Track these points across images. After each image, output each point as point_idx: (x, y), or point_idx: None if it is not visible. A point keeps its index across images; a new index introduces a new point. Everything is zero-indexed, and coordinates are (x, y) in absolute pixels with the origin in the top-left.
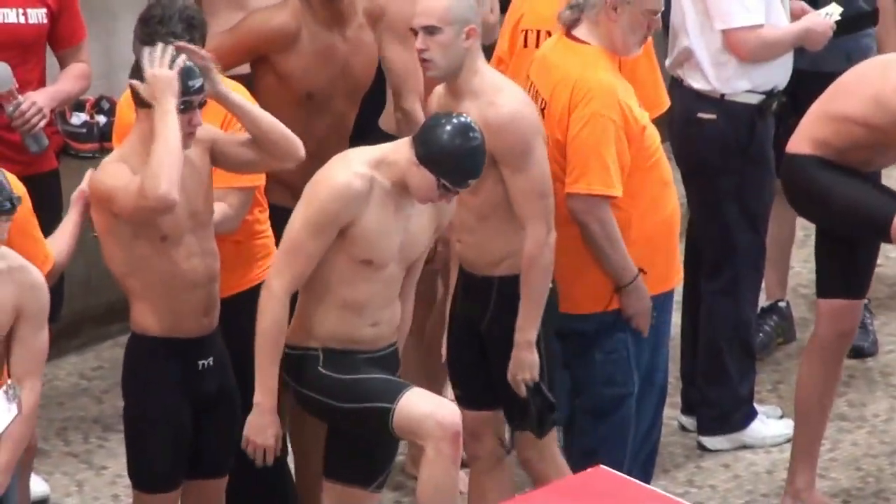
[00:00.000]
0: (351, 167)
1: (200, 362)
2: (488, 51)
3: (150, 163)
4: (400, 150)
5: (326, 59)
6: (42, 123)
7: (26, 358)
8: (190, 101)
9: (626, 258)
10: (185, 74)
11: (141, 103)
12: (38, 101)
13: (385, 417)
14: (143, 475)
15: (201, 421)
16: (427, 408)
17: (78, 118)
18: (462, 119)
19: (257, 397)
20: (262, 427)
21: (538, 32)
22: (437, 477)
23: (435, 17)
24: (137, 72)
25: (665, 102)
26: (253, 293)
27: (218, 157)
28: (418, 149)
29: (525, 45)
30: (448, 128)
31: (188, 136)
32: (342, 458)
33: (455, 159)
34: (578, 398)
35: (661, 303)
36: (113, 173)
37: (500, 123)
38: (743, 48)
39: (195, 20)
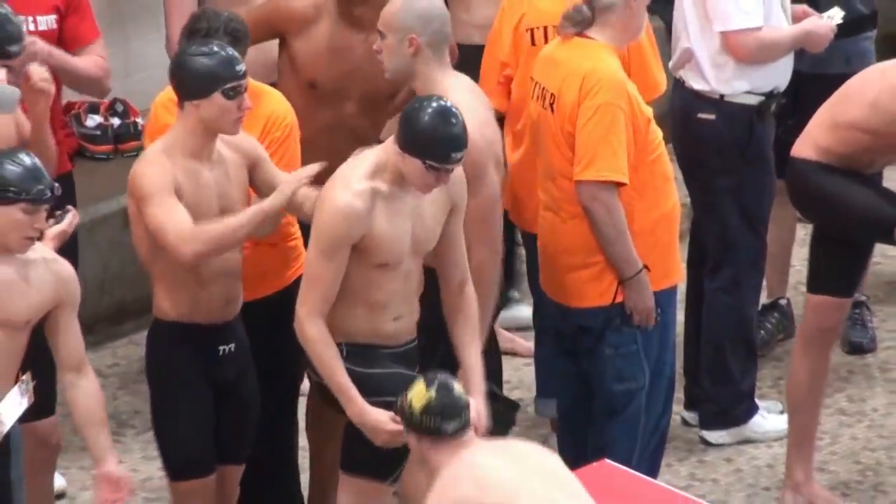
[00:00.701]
0: (350, 186)
1: (221, 348)
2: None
3: (210, 230)
4: (388, 150)
5: (339, 55)
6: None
7: (77, 346)
8: (239, 86)
9: (632, 251)
10: (231, 61)
11: (185, 98)
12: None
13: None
14: (177, 461)
15: (220, 407)
16: None
17: (93, 120)
18: (436, 100)
19: (352, 409)
20: (376, 425)
21: (544, 29)
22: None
23: (383, 22)
24: (176, 72)
25: (663, 83)
26: (289, 291)
27: (252, 178)
28: (399, 139)
29: (533, 44)
30: (422, 110)
31: (237, 121)
32: (360, 451)
33: (433, 137)
34: (593, 398)
35: (667, 298)
36: (151, 177)
37: None
38: (741, 50)
39: (240, 32)
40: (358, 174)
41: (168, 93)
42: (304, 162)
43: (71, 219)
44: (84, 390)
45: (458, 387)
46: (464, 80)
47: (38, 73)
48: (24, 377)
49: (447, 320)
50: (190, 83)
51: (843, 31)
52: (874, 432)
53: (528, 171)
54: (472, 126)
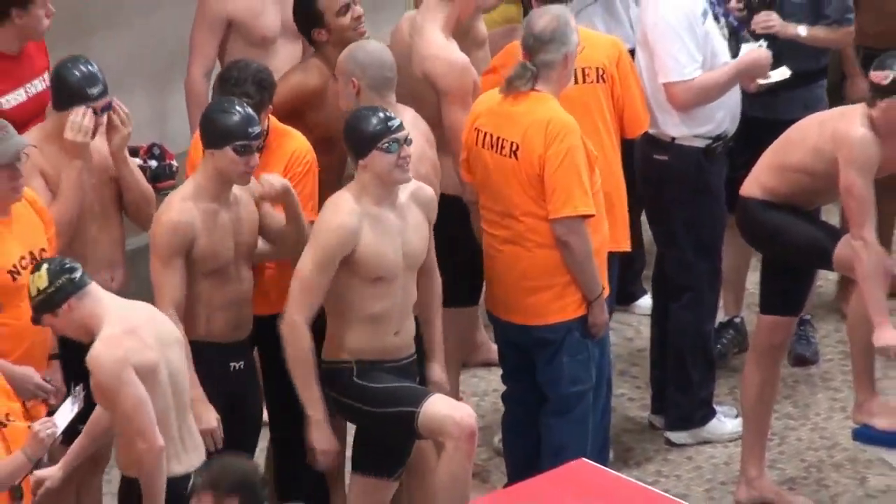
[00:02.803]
0: (341, 208)
1: (232, 364)
2: None
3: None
4: (358, 174)
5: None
6: None
7: None
8: (248, 145)
9: (597, 274)
10: (246, 121)
11: (204, 146)
12: None
13: (411, 419)
14: None
15: (227, 419)
16: (447, 410)
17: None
18: (356, 110)
19: (311, 413)
20: (324, 437)
21: (594, 69)
22: (454, 469)
23: (335, 68)
24: (202, 121)
25: (646, 121)
26: None
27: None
28: (352, 151)
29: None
30: (352, 119)
31: (244, 174)
32: (370, 454)
33: (368, 125)
34: (545, 403)
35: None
36: (163, 233)
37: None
38: (675, 101)
39: (266, 81)
40: (347, 197)
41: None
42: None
43: None
44: None
45: None
46: (408, 112)
47: (118, 111)
48: (77, 388)
49: (419, 296)
50: (209, 134)
51: (799, 80)
52: (817, 434)
53: None
54: (420, 147)
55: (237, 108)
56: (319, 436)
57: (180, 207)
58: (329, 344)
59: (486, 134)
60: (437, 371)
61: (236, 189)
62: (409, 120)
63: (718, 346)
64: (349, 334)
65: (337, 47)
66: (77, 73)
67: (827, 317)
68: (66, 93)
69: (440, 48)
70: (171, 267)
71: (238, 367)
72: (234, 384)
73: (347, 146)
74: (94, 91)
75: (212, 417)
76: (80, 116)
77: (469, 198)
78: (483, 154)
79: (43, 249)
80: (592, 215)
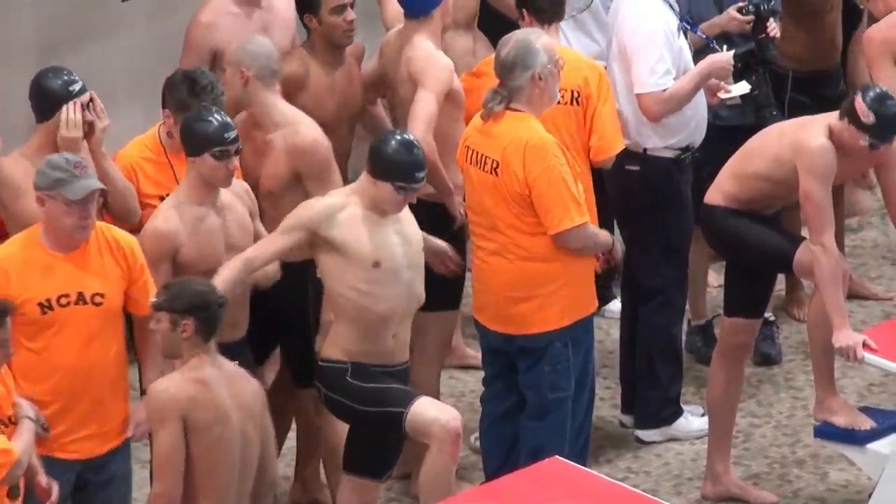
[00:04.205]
0: (330, 196)
1: None
2: None
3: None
4: (362, 181)
5: (330, 93)
6: None
7: None
8: (226, 150)
9: (605, 236)
10: (222, 127)
11: (186, 154)
12: None
13: (399, 419)
14: None
15: None
16: (433, 413)
17: None
18: (398, 134)
19: None
20: None
21: (569, 91)
22: (438, 469)
23: (224, 58)
24: (181, 132)
25: (622, 142)
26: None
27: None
28: (370, 167)
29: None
30: (387, 142)
31: (226, 177)
32: (362, 456)
33: (397, 162)
34: (524, 407)
35: (588, 322)
36: (154, 234)
37: (304, 146)
38: (649, 112)
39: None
40: (339, 193)
41: None
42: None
43: None
44: None
45: None
46: (295, 111)
47: (95, 106)
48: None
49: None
50: (188, 143)
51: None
52: (780, 431)
53: None
54: (317, 130)
55: (214, 116)
56: None
57: (165, 215)
58: (329, 345)
59: (473, 151)
60: None
61: (226, 194)
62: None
63: (700, 345)
64: (349, 336)
65: (323, 41)
66: (57, 80)
67: (789, 319)
68: (50, 100)
69: (426, 49)
70: (158, 271)
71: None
72: None
73: (181, 141)
74: (75, 88)
75: None
76: (72, 111)
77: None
78: (470, 170)
79: (99, 294)
80: (586, 221)
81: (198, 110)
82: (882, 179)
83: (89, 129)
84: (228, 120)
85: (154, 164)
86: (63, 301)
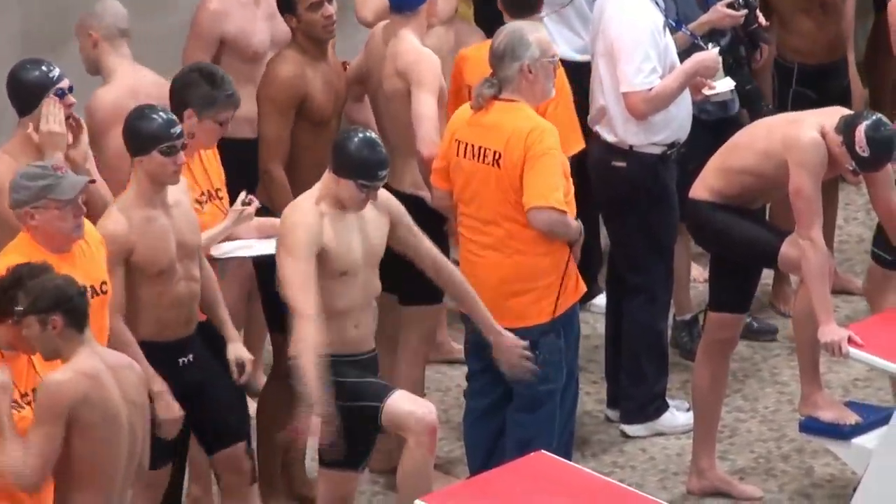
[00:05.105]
0: (304, 210)
1: (181, 360)
2: None
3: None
4: (325, 180)
5: (325, 90)
6: None
7: None
8: (173, 146)
9: (576, 226)
10: (168, 123)
11: (132, 155)
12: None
13: (375, 413)
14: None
15: (195, 407)
16: (409, 407)
17: None
18: (360, 131)
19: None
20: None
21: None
22: (416, 462)
23: (76, 27)
24: (123, 133)
25: (580, 143)
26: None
27: None
28: (333, 165)
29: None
30: (349, 139)
31: (174, 174)
32: (337, 449)
33: (359, 160)
34: (510, 400)
35: (574, 311)
36: (106, 238)
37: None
38: (633, 109)
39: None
40: (309, 198)
41: None
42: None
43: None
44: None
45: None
46: (143, 70)
47: (73, 119)
48: None
49: (451, 294)
50: (134, 142)
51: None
52: (766, 426)
53: None
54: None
55: (157, 113)
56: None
57: (115, 219)
58: (294, 340)
59: (466, 145)
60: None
61: (175, 191)
62: (152, 80)
63: (686, 340)
64: None
65: (307, 39)
66: (34, 71)
67: (774, 314)
68: (29, 92)
69: (413, 44)
70: (112, 276)
71: (186, 361)
72: (185, 377)
73: (125, 142)
74: (54, 75)
75: (176, 408)
76: (52, 106)
77: (436, 203)
78: (463, 164)
79: (104, 282)
80: (564, 212)
81: (212, 102)
82: (872, 194)
83: (74, 140)
84: (172, 116)
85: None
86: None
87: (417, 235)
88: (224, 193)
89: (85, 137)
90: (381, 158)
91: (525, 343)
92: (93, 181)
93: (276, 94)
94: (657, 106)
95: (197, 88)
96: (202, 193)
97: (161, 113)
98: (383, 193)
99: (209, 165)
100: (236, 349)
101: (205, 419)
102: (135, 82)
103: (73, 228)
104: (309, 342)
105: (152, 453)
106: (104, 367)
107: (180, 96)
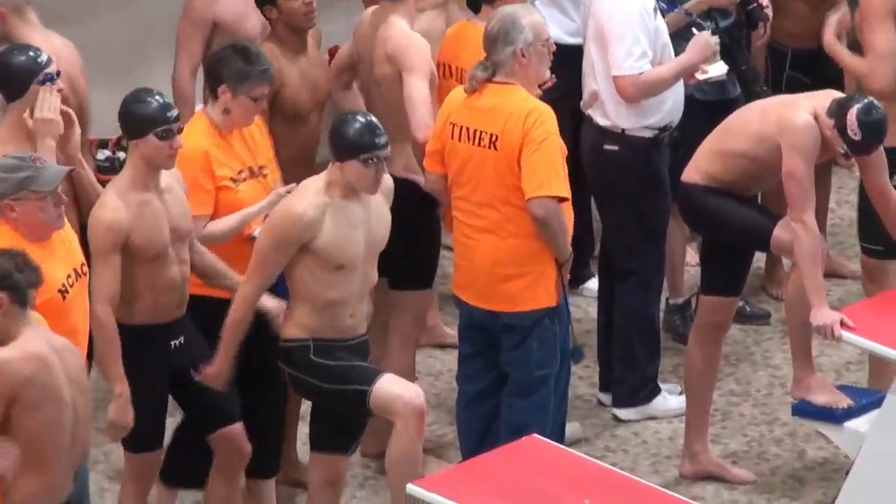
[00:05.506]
0: (307, 198)
1: (172, 342)
2: None
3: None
4: (330, 171)
5: (303, 82)
6: None
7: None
8: (169, 129)
9: (569, 247)
10: (164, 107)
11: (127, 138)
12: None
13: (363, 397)
14: (131, 438)
15: (186, 390)
16: (397, 390)
17: (102, 154)
18: (349, 113)
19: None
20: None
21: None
22: (404, 446)
23: None
24: (120, 117)
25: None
26: None
27: None
28: (333, 152)
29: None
30: (340, 122)
31: (169, 157)
32: (327, 433)
33: (354, 135)
34: (503, 385)
35: (565, 298)
36: (102, 233)
37: None
38: (623, 93)
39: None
40: (315, 188)
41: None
42: (296, 178)
43: None
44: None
45: None
46: (52, 35)
47: (66, 113)
48: None
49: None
50: (130, 125)
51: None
52: (758, 410)
53: None
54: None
55: (153, 97)
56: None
57: (113, 206)
58: (289, 324)
59: (461, 127)
60: None
61: (167, 177)
62: (60, 42)
63: (679, 324)
64: (309, 315)
65: (286, 29)
66: (22, 55)
67: (766, 297)
68: (17, 77)
69: (402, 29)
70: (108, 264)
71: (178, 344)
72: (177, 360)
73: (121, 126)
74: (42, 60)
75: (130, 417)
76: (48, 93)
77: (429, 187)
78: (458, 147)
79: (83, 263)
80: (568, 198)
81: (246, 77)
82: (864, 178)
83: (67, 135)
84: (168, 100)
85: (219, 147)
86: (70, 281)
87: None
88: (270, 170)
89: (77, 130)
90: (375, 127)
91: None
92: (73, 169)
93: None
94: (649, 92)
95: (231, 64)
96: (240, 171)
97: (157, 97)
98: (388, 183)
99: (251, 141)
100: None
101: (197, 401)
102: (49, 48)
103: (55, 219)
104: (237, 318)
105: (137, 436)
106: (49, 347)
107: (215, 73)
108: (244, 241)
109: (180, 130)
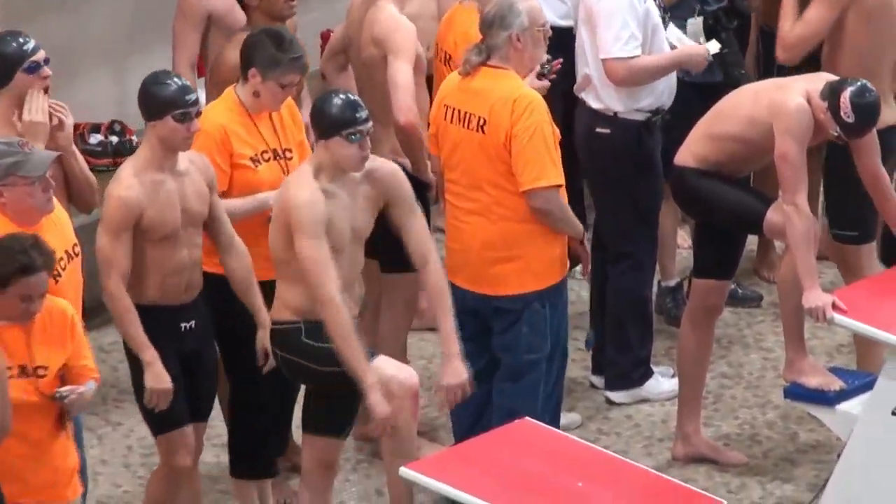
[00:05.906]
0: (308, 185)
1: (183, 325)
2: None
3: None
4: (316, 153)
5: None
6: None
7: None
8: (187, 112)
9: (578, 223)
10: (182, 90)
11: (146, 119)
12: None
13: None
14: (154, 420)
15: (187, 374)
16: (391, 371)
17: (95, 138)
18: (327, 92)
19: (369, 379)
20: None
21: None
22: (399, 427)
23: None
24: (140, 97)
25: None
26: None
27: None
28: (316, 132)
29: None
30: (320, 102)
31: (186, 140)
32: (321, 416)
33: (334, 111)
34: (495, 369)
35: (563, 283)
36: (114, 209)
37: None
38: (613, 76)
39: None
40: (308, 174)
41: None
42: None
43: None
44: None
45: None
46: None
47: (56, 108)
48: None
49: (426, 291)
50: (148, 106)
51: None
52: (750, 392)
53: None
54: None
55: (172, 79)
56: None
57: (128, 183)
58: (279, 307)
59: (453, 110)
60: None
61: (185, 160)
62: None
63: (671, 306)
64: (298, 297)
65: (266, 18)
66: (10, 44)
67: (758, 280)
68: (3, 63)
69: (390, 12)
70: (119, 240)
71: (189, 327)
72: (186, 343)
73: (140, 106)
74: (28, 47)
75: (166, 379)
76: (37, 96)
77: (436, 169)
78: (450, 129)
79: (76, 244)
80: (561, 185)
81: (277, 64)
82: (859, 163)
83: (59, 125)
84: (187, 82)
85: (243, 126)
86: (62, 265)
87: (414, 220)
88: (294, 154)
89: (70, 121)
90: (356, 103)
91: (467, 386)
92: (60, 155)
93: (222, 79)
94: (639, 79)
95: (263, 50)
96: (264, 151)
97: (176, 79)
98: (387, 169)
99: (279, 125)
100: (264, 338)
101: (200, 386)
102: None
103: (43, 203)
104: (345, 329)
105: (156, 416)
106: None
107: (247, 56)
108: (266, 221)
109: (199, 114)
